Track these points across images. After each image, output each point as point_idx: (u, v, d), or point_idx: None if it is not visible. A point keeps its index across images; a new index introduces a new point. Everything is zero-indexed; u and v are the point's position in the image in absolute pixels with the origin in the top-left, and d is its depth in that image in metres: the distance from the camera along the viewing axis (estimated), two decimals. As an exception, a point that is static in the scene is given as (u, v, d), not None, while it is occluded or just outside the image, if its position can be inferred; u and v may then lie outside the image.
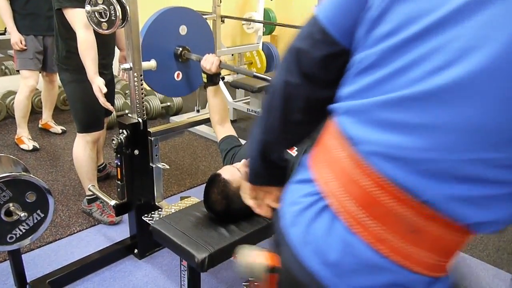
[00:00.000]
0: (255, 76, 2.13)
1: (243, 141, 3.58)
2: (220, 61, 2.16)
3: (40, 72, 3.54)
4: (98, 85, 2.25)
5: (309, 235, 0.77)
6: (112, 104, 2.89)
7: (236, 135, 2.19)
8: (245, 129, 4.35)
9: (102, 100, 2.28)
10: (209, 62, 2.14)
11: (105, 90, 2.26)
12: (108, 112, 2.80)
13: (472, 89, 0.62)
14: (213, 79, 2.20)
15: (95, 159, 2.64)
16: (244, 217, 1.82)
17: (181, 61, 2.38)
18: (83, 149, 2.55)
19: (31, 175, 1.81)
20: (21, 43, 3.31)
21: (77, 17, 2.22)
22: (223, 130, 2.18)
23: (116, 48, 2.70)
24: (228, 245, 1.69)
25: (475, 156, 0.64)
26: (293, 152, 1.89)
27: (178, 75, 2.40)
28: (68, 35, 2.31)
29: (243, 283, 1.71)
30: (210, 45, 2.52)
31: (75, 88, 2.43)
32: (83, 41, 2.24)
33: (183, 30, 2.34)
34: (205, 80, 2.21)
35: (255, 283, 1.04)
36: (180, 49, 2.36)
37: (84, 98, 2.42)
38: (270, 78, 2.07)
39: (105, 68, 2.55)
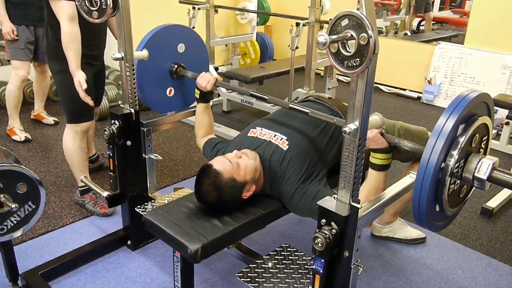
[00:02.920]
0: (251, 95, 2.12)
1: (234, 132, 3.57)
2: (217, 80, 2.18)
3: (31, 62, 3.51)
4: (79, 79, 2.27)
5: None
6: (102, 94, 2.87)
7: (216, 137, 2.20)
8: (239, 120, 4.33)
9: (82, 95, 2.29)
10: (205, 80, 2.17)
11: (85, 86, 2.26)
12: (97, 102, 2.78)
13: None
14: (206, 96, 2.23)
15: (85, 150, 2.62)
16: (236, 208, 1.81)
17: (175, 78, 2.38)
18: (73, 140, 2.53)
19: (22, 166, 1.79)
20: (13, 33, 3.27)
21: (62, 9, 2.21)
22: (206, 138, 2.20)
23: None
24: (221, 236, 1.68)
25: None
26: (284, 146, 1.88)
27: (170, 91, 2.39)
28: (57, 24, 2.28)
29: (237, 274, 1.70)
30: (205, 66, 2.54)
31: (64, 77, 2.39)
32: (66, 34, 2.23)
33: (181, 48, 2.35)
34: (197, 96, 2.23)
35: None
36: (176, 66, 2.34)
37: (73, 88, 2.39)
38: (266, 98, 2.04)
39: (94, 59, 2.52)
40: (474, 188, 1.54)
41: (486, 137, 1.53)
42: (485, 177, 1.40)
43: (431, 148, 1.34)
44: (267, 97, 2.04)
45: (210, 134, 2.23)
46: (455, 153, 1.36)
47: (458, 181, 1.45)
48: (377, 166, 1.67)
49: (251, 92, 2.12)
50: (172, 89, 2.40)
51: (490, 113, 1.54)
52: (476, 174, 1.42)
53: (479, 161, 1.42)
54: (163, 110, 2.42)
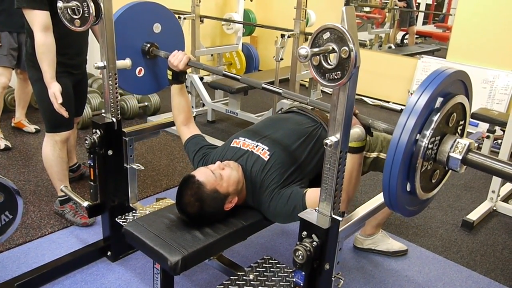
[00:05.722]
0: (224, 75, 2.08)
1: (218, 142, 3.57)
2: (189, 59, 2.10)
3: (14, 70, 3.47)
4: (54, 91, 2.23)
5: None
6: (84, 104, 2.83)
7: (202, 134, 2.16)
8: (224, 130, 4.32)
9: (57, 107, 2.25)
10: (177, 59, 2.08)
11: (60, 100, 2.22)
12: (79, 112, 2.74)
13: None
14: (179, 77, 2.15)
15: (65, 159, 2.57)
16: (218, 220, 1.80)
17: (148, 58, 2.31)
18: (52, 149, 2.49)
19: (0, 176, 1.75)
20: None
21: (34, 19, 2.18)
22: (188, 130, 2.15)
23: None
24: (202, 248, 1.66)
25: None
26: (266, 156, 1.87)
27: (140, 71, 2.31)
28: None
29: (217, 286, 1.68)
30: (180, 49, 2.47)
31: (42, 86, 2.34)
32: (40, 44, 2.19)
33: (157, 28, 2.29)
34: (169, 77, 2.15)
35: None
36: (148, 45, 2.27)
37: None
38: (239, 77, 2.03)
39: (74, 68, 2.49)
40: (449, 173, 1.45)
41: (463, 120, 1.44)
42: (460, 158, 1.31)
43: (402, 126, 1.24)
44: (239, 77, 2.04)
45: (190, 120, 2.17)
46: (428, 132, 1.27)
47: (432, 162, 1.37)
48: (351, 149, 1.59)
49: (224, 72, 2.10)
50: (142, 69, 2.32)
51: (467, 93, 1.44)
52: (450, 155, 1.33)
53: (454, 142, 1.33)
54: (131, 89, 2.37)
